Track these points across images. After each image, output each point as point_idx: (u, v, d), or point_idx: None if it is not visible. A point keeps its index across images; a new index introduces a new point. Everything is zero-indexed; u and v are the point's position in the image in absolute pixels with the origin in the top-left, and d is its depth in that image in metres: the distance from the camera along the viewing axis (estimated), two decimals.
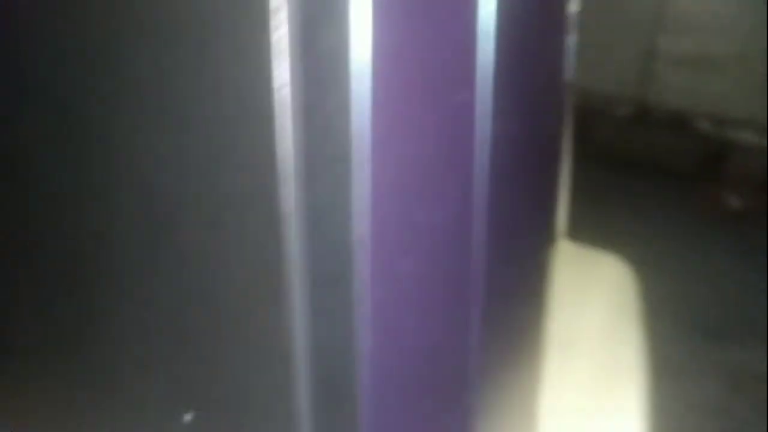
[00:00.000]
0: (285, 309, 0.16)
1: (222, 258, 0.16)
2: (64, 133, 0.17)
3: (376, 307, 0.16)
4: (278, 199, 0.15)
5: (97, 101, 0.16)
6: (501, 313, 0.22)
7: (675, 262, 1.13)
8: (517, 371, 0.26)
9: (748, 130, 1.35)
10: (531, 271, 0.27)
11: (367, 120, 0.14)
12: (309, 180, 0.15)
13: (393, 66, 0.15)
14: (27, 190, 0.18)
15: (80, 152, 0.17)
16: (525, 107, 0.22)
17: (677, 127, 1.44)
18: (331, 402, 0.16)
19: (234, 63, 0.14)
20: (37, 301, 0.20)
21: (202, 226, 0.16)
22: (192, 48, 0.14)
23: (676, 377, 0.88)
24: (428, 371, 0.18)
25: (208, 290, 0.17)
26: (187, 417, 0.18)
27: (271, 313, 0.16)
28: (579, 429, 0.44)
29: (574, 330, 0.53)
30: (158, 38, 0.15)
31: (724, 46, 1.39)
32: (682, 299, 1.04)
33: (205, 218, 0.16)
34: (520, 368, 0.27)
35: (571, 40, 0.30)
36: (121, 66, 0.15)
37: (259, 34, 0.14)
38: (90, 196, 0.18)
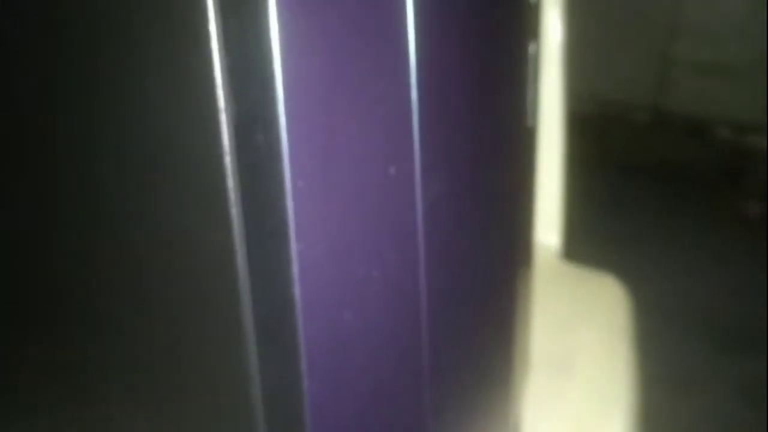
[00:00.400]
0: (241, 359, 0.18)
1: (186, 316, 0.19)
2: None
3: (320, 356, 0.18)
4: (233, 266, 0.18)
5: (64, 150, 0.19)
6: (455, 349, 0.24)
7: (692, 270, 1.12)
8: (484, 403, 0.28)
9: (766, 136, 1.34)
10: (493, 303, 0.29)
11: (300, 196, 0.17)
12: (257, 248, 0.17)
13: (323, 153, 0.17)
14: None
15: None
16: (470, 163, 0.24)
17: (695, 134, 1.43)
18: None
19: (186, 157, 0.17)
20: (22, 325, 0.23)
21: (168, 287, 0.19)
22: (150, 155, 0.17)
23: (689, 386, 0.88)
24: (379, 414, 0.20)
25: (176, 343, 0.19)
26: None
27: (229, 362, 0.19)
28: None
29: (568, 352, 0.55)
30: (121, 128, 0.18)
31: (742, 52, 1.38)
32: (697, 307, 1.04)
33: (171, 280, 0.19)
34: (489, 399, 0.29)
35: (531, 85, 0.32)
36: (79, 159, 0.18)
37: (209, 134, 0.16)
38: (66, 245, 0.20)
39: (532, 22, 0.31)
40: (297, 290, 0.17)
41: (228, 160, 0.16)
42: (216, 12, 0.15)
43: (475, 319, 0.26)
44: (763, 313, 1.02)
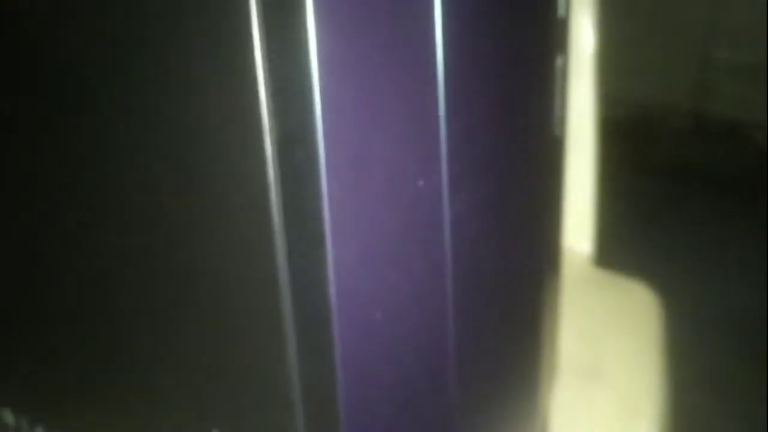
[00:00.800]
0: (283, 354, 0.20)
1: (232, 315, 0.21)
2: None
3: (352, 351, 0.20)
4: (275, 271, 0.19)
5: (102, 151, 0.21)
6: (480, 351, 0.26)
7: (729, 275, 1.11)
8: (509, 407, 0.29)
9: None
10: (520, 309, 0.30)
11: (336, 207, 0.19)
12: (297, 252, 0.19)
13: (357, 168, 0.19)
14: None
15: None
16: (496, 175, 0.25)
17: (735, 139, 1.41)
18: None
19: (231, 180, 0.19)
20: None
21: (215, 289, 0.21)
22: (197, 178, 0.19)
23: (723, 396, 0.87)
24: (406, 408, 0.22)
25: (221, 342, 0.21)
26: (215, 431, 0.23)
27: (271, 357, 0.20)
28: None
29: (597, 359, 0.55)
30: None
31: None
32: (734, 313, 1.03)
33: (218, 283, 0.21)
34: (515, 404, 0.30)
35: (559, 96, 0.33)
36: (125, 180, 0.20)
37: (254, 149, 0.18)
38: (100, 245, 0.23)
39: (560, 36, 0.32)
40: (332, 290, 0.19)
41: (271, 172, 0.18)
42: (261, 41, 0.17)
43: (501, 323, 0.28)
44: None
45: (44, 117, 0.22)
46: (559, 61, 0.32)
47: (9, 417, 0.30)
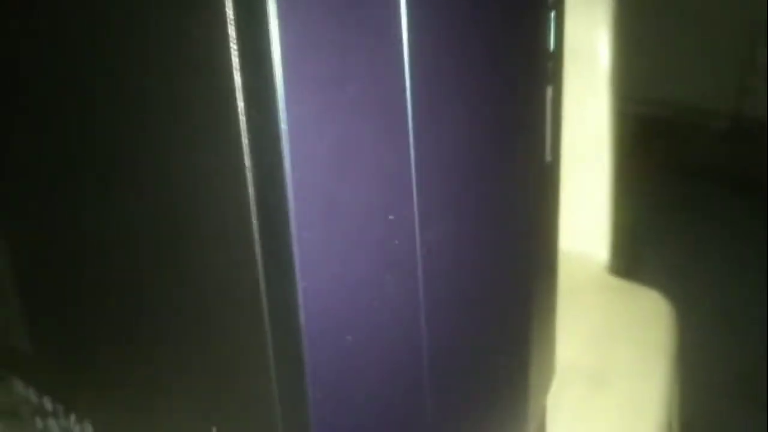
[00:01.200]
0: (265, 373, 0.23)
1: (218, 342, 0.23)
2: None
3: (322, 370, 0.22)
4: (258, 299, 0.22)
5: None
6: (457, 369, 0.28)
7: (759, 283, 1.08)
8: (493, 416, 0.31)
9: None
10: (503, 326, 0.32)
11: (305, 244, 0.21)
12: (274, 285, 0.22)
13: (326, 209, 0.21)
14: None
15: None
16: (472, 205, 0.27)
17: None
18: None
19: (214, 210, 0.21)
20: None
21: (203, 319, 0.23)
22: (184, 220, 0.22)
23: (734, 404, 0.86)
24: (380, 427, 0.24)
25: (210, 366, 0.24)
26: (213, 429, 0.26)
27: (254, 375, 0.23)
28: None
29: (605, 366, 0.56)
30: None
31: None
32: (761, 320, 1.01)
33: (206, 314, 0.23)
34: (499, 412, 0.32)
35: (551, 124, 0.35)
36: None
37: (237, 192, 0.21)
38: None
39: (550, 67, 0.34)
40: (302, 317, 0.21)
41: (251, 211, 0.20)
42: (243, 103, 0.20)
43: (480, 341, 0.29)
44: None
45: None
46: (549, 92, 0.34)
47: (48, 404, 0.33)
